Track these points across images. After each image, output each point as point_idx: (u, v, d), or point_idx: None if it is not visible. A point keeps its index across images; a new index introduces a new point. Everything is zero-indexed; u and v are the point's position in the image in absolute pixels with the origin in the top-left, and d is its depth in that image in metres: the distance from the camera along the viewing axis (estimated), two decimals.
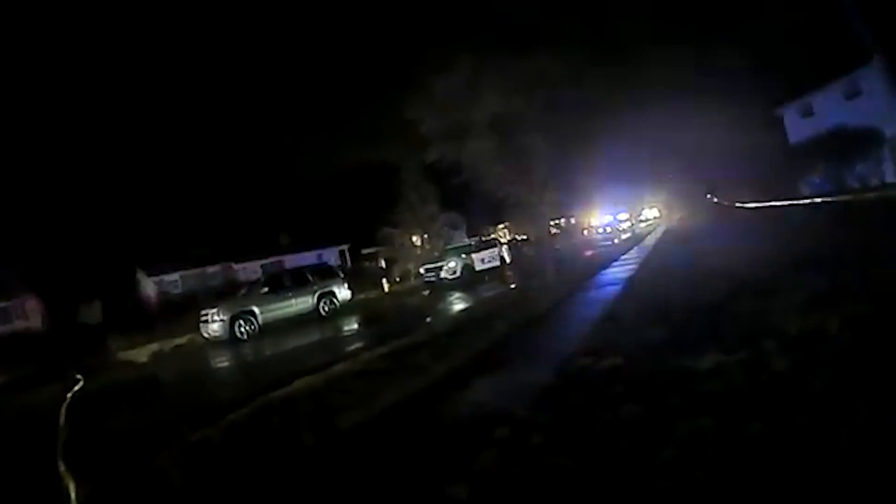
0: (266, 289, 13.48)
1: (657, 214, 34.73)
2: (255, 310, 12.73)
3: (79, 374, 11.97)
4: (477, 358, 5.37)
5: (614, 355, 3.95)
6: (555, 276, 11.97)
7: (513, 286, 13.32)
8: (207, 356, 11.42)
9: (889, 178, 18.46)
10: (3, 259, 23.62)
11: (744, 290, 4.91)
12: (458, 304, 12.07)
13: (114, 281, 27.02)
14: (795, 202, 18.73)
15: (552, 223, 28.19)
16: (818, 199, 17.27)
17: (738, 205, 24.83)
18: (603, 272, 11.08)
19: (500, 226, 31.96)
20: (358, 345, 8.50)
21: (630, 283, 8.51)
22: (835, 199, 15.52)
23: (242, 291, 14.52)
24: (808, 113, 23.28)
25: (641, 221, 34.19)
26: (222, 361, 10.49)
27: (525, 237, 28.63)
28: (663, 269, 9.07)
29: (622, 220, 33.62)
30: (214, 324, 12.37)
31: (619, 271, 10.71)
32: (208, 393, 7.39)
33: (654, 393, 3.00)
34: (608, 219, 32.98)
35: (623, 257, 13.73)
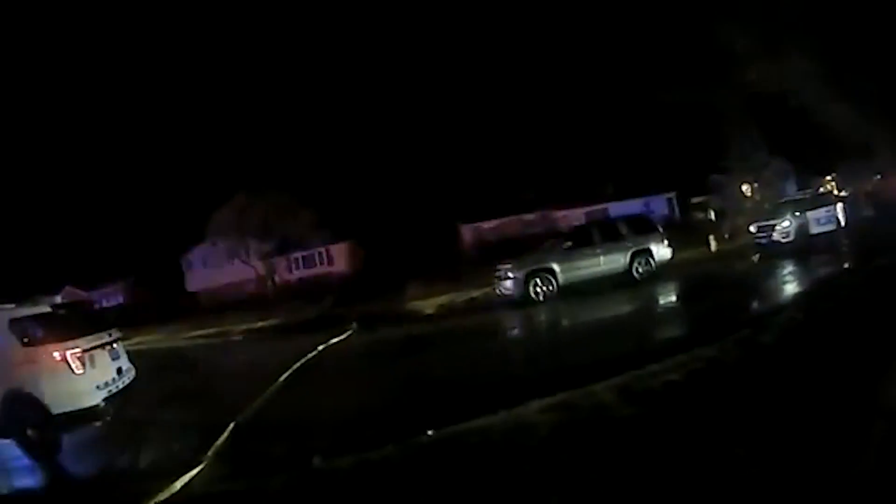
0: (570, 243, 11.90)
1: None
2: (555, 267, 11.30)
3: (356, 322, 12.47)
4: None
5: None
6: None
7: (847, 266, 9.80)
8: (488, 318, 10.83)
9: None
10: (328, 214, 28.47)
11: None
12: (790, 285, 9.29)
13: (436, 229, 28.29)
14: None
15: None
16: None
17: None
18: None
19: (829, 177, 24.47)
20: (672, 333, 6.61)
21: None
22: None
23: (545, 245, 12.85)
24: None
25: None
26: (504, 328, 9.85)
27: (845, 193, 21.27)
28: None
29: None
30: (507, 281, 11.43)
31: None
32: (440, 382, 5.86)
33: None
34: None
35: None
